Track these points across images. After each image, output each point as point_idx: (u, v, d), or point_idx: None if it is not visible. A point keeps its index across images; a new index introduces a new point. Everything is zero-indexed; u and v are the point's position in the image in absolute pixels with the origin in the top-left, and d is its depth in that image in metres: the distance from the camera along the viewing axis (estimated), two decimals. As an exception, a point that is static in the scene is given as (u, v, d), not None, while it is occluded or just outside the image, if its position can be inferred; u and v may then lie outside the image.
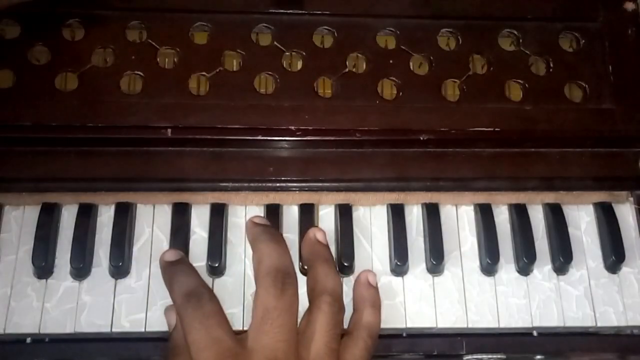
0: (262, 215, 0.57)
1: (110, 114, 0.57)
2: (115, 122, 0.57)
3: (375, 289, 0.55)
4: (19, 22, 0.59)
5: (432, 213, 0.58)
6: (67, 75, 0.59)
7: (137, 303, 0.54)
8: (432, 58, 0.61)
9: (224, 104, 0.58)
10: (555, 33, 0.63)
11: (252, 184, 0.58)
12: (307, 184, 0.58)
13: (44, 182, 0.56)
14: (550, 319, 0.56)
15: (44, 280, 0.55)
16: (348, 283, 0.56)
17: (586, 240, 0.59)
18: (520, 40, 0.63)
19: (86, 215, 0.56)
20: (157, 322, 0.54)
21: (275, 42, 0.61)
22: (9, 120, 0.56)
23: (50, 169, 0.57)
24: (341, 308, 0.52)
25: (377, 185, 0.58)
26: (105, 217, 0.57)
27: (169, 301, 0.53)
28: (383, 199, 0.59)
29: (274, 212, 0.58)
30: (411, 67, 0.61)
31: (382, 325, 0.54)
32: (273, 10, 0.62)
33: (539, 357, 0.56)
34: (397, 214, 0.58)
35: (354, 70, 0.61)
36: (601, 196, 0.60)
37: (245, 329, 0.53)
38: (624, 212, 0.60)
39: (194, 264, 0.54)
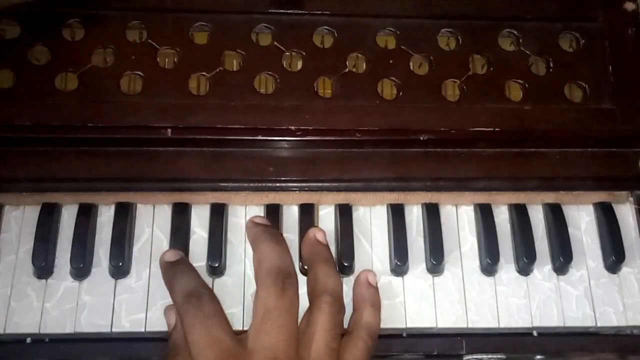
0: (262, 215, 0.57)
1: (110, 114, 0.57)
2: (115, 122, 0.57)
3: (375, 288, 0.55)
4: (19, 22, 0.59)
5: (432, 213, 0.58)
6: (67, 75, 0.59)
7: (137, 303, 0.54)
8: (432, 58, 0.61)
9: (224, 104, 0.58)
10: (555, 33, 0.63)
11: (252, 184, 0.58)
12: (307, 184, 0.58)
13: (44, 182, 0.56)
14: (550, 319, 0.56)
15: (44, 280, 0.55)
16: (348, 283, 0.56)
17: (586, 240, 0.59)
18: (520, 40, 0.63)
19: (86, 215, 0.56)
20: (157, 322, 0.54)
21: (275, 42, 0.61)
22: (9, 120, 0.56)
23: (50, 169, 0.57)
24: (341, 308, 0.52)
25: (377, 185, 0.58)
26: (105, 217, 0.57)
27: (169, 301, 0.53)
28: (383, 199, 0.59)
29: (274, 212, 0.58)
30: (411, 67, 0.61)
31: (382, 325, 0.54)
32: (273, 10, 0.62)
33: (539, 357, 0.56)
34: (397, 214, 0.58)
35: (354, 70, 0.61)
36: (601, 196, 0.60)
37: (245, 329, 0.53)
38: (624, 212, 0.60)
39: (194, 264, 0.55)
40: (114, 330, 0.54)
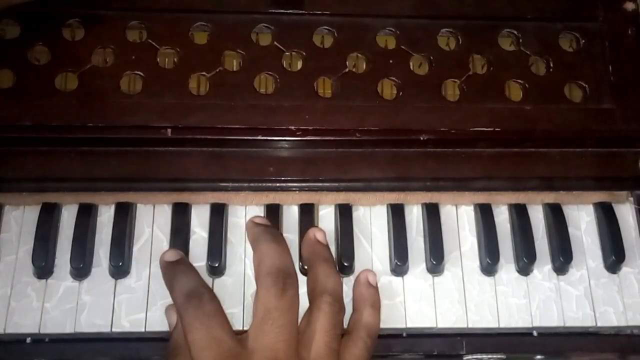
0: (262, 215, 0.57)
1: (110, 114, 0.57)
2: (115, 122, 0.57)
3: (375, 288, 0.55)
4: (19, 22, 0.59)
5: (432, 213, 0.58)
6: (67, 75, 0.59)
7: (137, 303, 0.54)
8: (432, 58, 0.61)
9: (224, 104, 0.58)
10: (555, 33, 0.63)
11: (252, 184, 0.58)
12: (307, 184, 0.58)
13: (44, 182, 0.56)
14: (550, 319, 0.56)
15: (44, 280, 0.55)
16: (348, 283, 0.56)
17: (586, 240, 0.59)
18: (520, 40, 0.63)
19: (86, 215, 0.56)
20: (157, 322, 0.54)
21: (275, 42, 0.61)
22: (9, 120, 0.56)
23: (50, 169, 0.57)
24: (341, 308, 0.52)
25: (377, 185, 0.59)
26: (105, 217, 0.57)
27: (169, 301, 0.53)
28: (383, 199, 0.59)
29: (274, 212, 0.58)
30: (411, 67, 0.61)
31: (382, 325, 0.54)
32: (273, 10, 0.62)
33: (539, 357, 0.56)
34: (397, 214, 0.58)
35: (354, 70, 0.61)
36: (601, 196, 0.60)
37: (245, 329, 0.53)
38: (624, 212, 0.60)
39: (194, 264, 0.54)
40: (114, 330, 0.54)
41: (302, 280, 0.53)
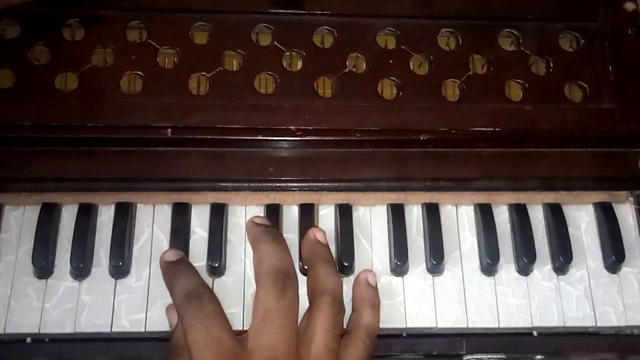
0: (262, 215, 0.57)
1: (110, 114, 0.57)
2: (115, 122, 0.57)
3: (374, 289, 0.55)
4: (19, 22, 0.59)
5: (432, 213, 0.58)
6: (67, 75, 0.59)
7: (137, 303, 0.54)
8: (432, 58, 0.61)
9: (224, 104, 0.58)
10: (555, 33, 0.63)
11: (252, 184, 0.58)
12: (307, 184, 0.58)
13: (44, 182, 0.56)
14: (550, 319, 0.56)
15: (44, 280, 0.55)
16: (348, 283, 0.56)
17: (586, 240, 0.59)
18: (520, 40, 0.63)
19: (86, 215, 0.56)
20: (157, 322, 0.54)
21: (275, 42, 0.61)
22: (9, 120, 0.56)
23: (50, 169, 0.57)
24: (341, 309, 0.52)
25: (377, 185, 0.58)
26: (105, 217, 0.57)
27: (169, 301, 0.53)
28: (383, 199, 0.59)
29: (274, 212, 0.58)
30: (411, 67, 0.61)
31: (382, 325, 0.54)
32: (273, 10, 0.62)
33: (539, 357, 0.56)
34: (397, 214, 0.58)
35: (354, 70, 0.61)
36: (601, 196, 0.60)
37: (245, 329, 0.53)
38: (624, 212, 0.60)
39: (194, 264, 0.54)
40: (114, 330, 0.54)
41: (302, 280, 0.53)
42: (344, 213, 0.58)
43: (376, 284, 0.55)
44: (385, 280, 0.57)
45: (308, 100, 0.59)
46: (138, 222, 0.57)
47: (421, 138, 0.58)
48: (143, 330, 0.54)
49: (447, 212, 0.59)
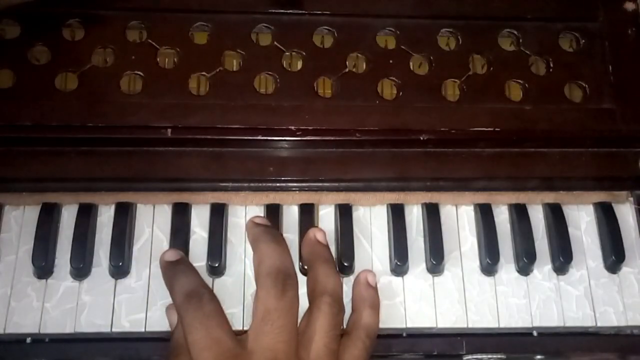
0: (262, 215, 0.57)
1: (110, 114, 0.57)
2: (115, 122, 0.57)
3: (374, 289, 0.55)
4: (19, 22, 0.59)
5: (432, 213, 0.58)
6: (67, 75, 0.59)
7: (137, 303, 0.54)
8: (432, 58, 0.61)
9: (224, 104, 0.58)
10: (555, 33, 0.63)
11: (252, 184, 0.58)
12: (307, 184, 0.58)
13: (44, 182, 0.56)
14: (550, 319, 0.56)
15: (44, 280, 0.55)
16: (348, 283, 0.56)
17: (586, 240, 0.59)
18: (520, 40, 0.63)
19: (86, 215, 0.56)
20: (157, 322, 0.54)
21: (275, 42, 0.61)
22: (9, 120, 0.56)
23: (50, 169, 0.57)
24: (341, 309, 0.52)
25: (377, 185, 0.59)
26: (105, 217, 0.57)
27: (169, 301, 0.53)
28: (383, 199, 0.59)
29: (274, 212, 0.58)
30: (411, 67, 0.61)
31: (382, 325, 0.54)
32: (273, 10, 0.62)
33: (539, 357, 0.56)
34: (397, 214, 0.58)
35: (354, 70, 0.61)
36: (601, 196, 0.60)
37: (245, 329, 0.53)
38: (624, 212, 0.60)
39: (194, 264, 0.54)
40: (114, 330, 0.54)
41: (302, 280, 0.53)
42: (344, 213, 0.58)
43: (376, 284, 0.55)
44: (385, 280, 0.57)
45: (308, 100, 0.59)
46: (138, 222, 0.57)
47: (421, 138, 0.58)
48: (143, 330, 0.54)
49: (447, 212, 0.59)
